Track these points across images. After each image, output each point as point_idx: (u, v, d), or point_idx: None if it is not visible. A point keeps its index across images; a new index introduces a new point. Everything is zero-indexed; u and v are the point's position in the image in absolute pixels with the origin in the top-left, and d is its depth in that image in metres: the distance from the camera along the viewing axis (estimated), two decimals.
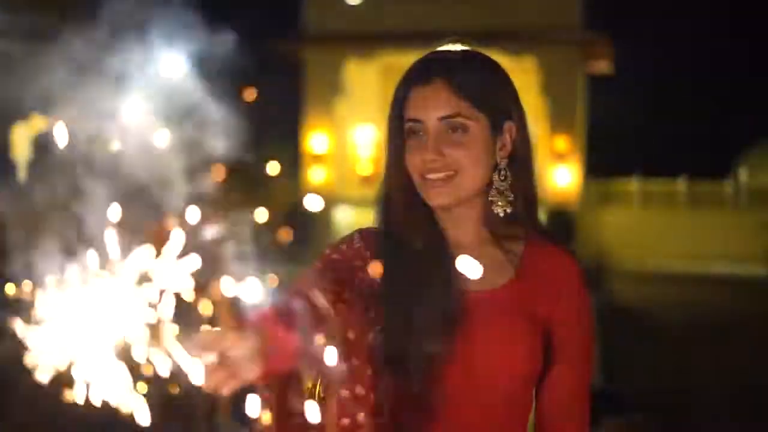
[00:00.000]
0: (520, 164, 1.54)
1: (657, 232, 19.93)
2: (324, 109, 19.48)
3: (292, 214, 18.22)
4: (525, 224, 1.57)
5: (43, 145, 26.61)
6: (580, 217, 18.74)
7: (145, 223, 1.34)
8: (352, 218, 18.56)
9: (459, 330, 1.46)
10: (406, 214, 1.52)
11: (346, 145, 20.42)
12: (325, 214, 18.24)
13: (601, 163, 20.61)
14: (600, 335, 8.82)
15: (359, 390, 1.37)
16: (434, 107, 1.51)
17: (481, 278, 1.48)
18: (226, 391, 1.19)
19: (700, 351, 10.12)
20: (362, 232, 1.59)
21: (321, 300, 1.38)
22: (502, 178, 1.52)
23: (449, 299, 1.47)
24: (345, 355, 1.36)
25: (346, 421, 1.36)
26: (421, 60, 1.59)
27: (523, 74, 19.33)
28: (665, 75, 29.43)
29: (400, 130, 1.55)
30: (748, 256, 18.69)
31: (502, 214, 1.52)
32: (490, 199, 1.53)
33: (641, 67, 27.58)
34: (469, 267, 1.27)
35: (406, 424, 1.44)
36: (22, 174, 24.15)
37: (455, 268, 1.48)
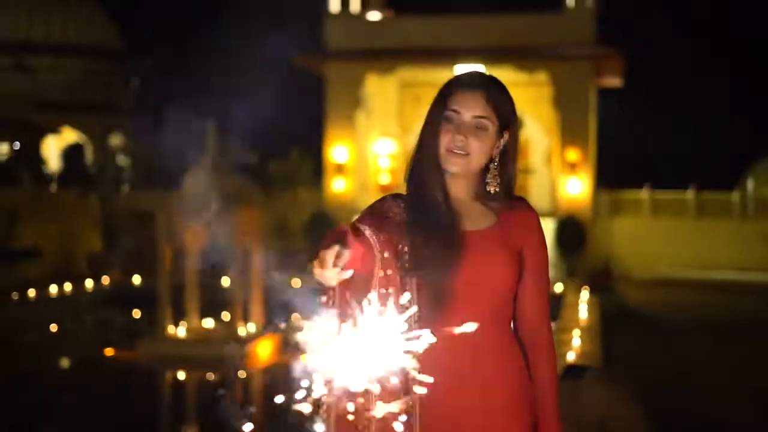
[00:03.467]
0: (508, 158, 2.32)
1: (666, 241, 20.43)
2: (345, 122, 20.16)
3: (314, 222, 18.84)
4: (501, 192, 2.33)
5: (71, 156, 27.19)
6: (591, 226, 19.38)
7: None
8: None
9: (462, 254, 2.23)
10: (429, 174, 2.28)
11: (366, 156, 21.12)
12: (347, 222, 18.97)
13: (612, 173, 21.20)
14: (607, 332, 9.57)
15: (390, 290, 2.14)
16: (472, 107, 2.26)
17: (474, 222, 2.29)
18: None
19: (701, 348, 10.81)
20: (392, 195, 2.35)
21: (368, 232, 2.16)
22: (496, 166, 2.30)
23: (452, 234, 2.24)
24: (383, 267, 2.14)
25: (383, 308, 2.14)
26: (470, 73, 2.36)
27: (537, 87, 20.04)
28: (675, 89, 30.00)
29: (441, 115, 2.29)
30: (754, 264, 19.20)
31: (492, 192, 2.30)
32: (486, 181, 2.31)
33: (651, 81, 28.16)
34: None
35: (426, 316, 2.21)
36: (53, 183, 24.98)
37: (457, 215, 2.27)
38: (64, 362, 10.74)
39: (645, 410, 4.37)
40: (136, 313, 13.19)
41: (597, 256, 18.31)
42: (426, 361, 2.13)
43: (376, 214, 2.27)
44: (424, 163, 2.28)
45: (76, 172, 25.58)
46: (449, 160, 2.24)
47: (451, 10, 20.55)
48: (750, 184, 22.44)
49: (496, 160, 2.28)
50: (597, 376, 4.31)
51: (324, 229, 19.50)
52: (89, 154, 29.04)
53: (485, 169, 2.30)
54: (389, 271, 2.15)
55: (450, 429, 2.18)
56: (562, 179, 19.52)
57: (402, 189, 2.38)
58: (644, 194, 21.11)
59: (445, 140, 2.24)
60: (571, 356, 7.60)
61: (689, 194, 20.97)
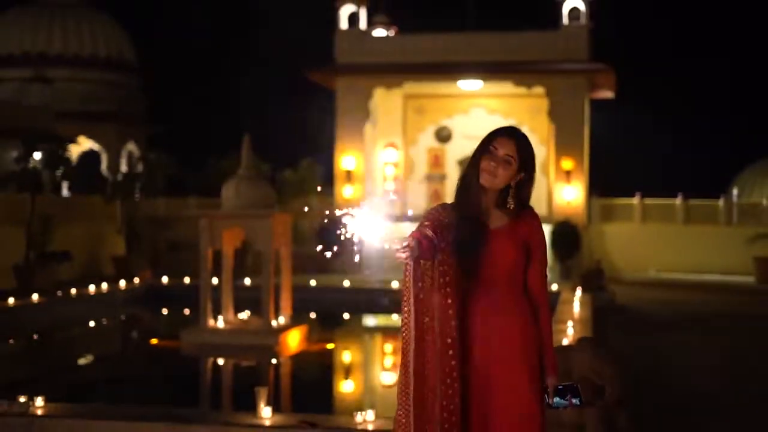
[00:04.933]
0: (523, 186, 3.55)
1: (655, 245, 21.70)
2: (354, 132, 21.39)
3: (326, 227, 19.99)
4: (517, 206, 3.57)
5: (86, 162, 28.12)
6: (585, 230, 20.61)
7: None
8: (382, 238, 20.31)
9: (488, 242, 3.46)
10: (472, 186, 3.50)
11: (373, 164, 22.31)
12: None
13: (605, 181, 22.40)
14: (597, 325, 10.78)
15: (446, 267, 3.38)
16: (506, 147, 3.51)
17: (495, 223, 3.51)
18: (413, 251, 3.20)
19: (679, 337, 12.03)
20: (441, 204, 3.58)
21: (429, 231, 3.39)
22: (514, 191, 3.53)
23: (482, 230, 3.47)
24: (439, 251, 3.37)
25: (442, 280, 3.37)
26: (511, 127, 3.62)
27: (534, 99, 21.29)
28: (665, 100, 31.24)
29: (485, 149, 3.52)
30: (738, 268, 20.39)
31: (511, 208, 3.53)
32: (508, 199, 3.53)
33: (643, 93, 29.36)
34: None
35: (461, 283, 3.43)
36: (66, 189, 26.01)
37: (486, 218, 3.49)
38: (121, 350, 11.96)
39: (622, 374, 5.60)
40: (167, 310, 14.44)
41: (590, 259, 19.48)
42: (462, 313, 3.35)
43: (431, 218, 3.51)
44: (470, 177, 3.52)
45: (92, 179, 26.75)
46: (483, 176, 3.48)
47: (453, 27, 21.85)
48: (735, 192, 23.73)
49: (513, 186, 3.51)
50: (585, 344, 5.55)
51: (334, 234, 20.73)
52: (104, 162, 30.22)
53: (505, 190, 3.53)
54: (444, 255, 3.38)
55: (480, 352, 3.39)
56: (558, 187, 20.78)
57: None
58: (635, 201, 22.32)
59: (483, 164, 3.48)
60: (565, 342, 8.82)
61: (677, 201, 22.18)
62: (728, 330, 12.75)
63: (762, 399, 8.09)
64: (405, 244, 3.24)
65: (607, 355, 5.52)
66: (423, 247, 3.28)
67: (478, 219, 3.48)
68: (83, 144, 30.03)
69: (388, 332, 13.42)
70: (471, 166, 3.53)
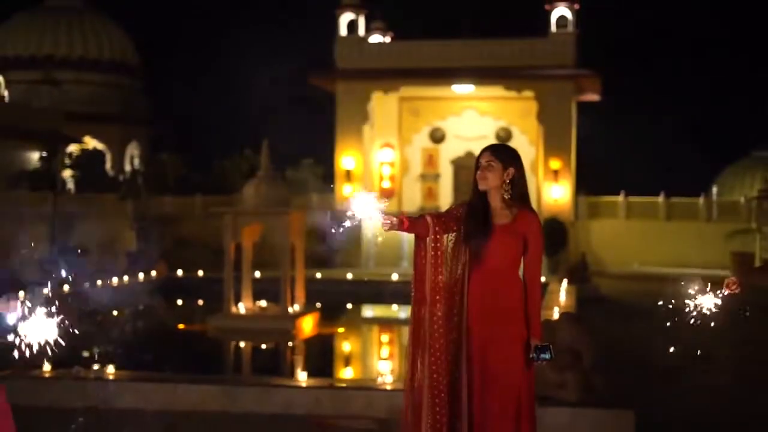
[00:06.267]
0: (516, 181, 4.67)
1: (639, 240, 22.85)
2: (353, 134, 22.54)
3: (326, 224, 20.94)
4: (517, 204, 4.69)
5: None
6: (572, 227, 21.79)
7: None
8: (375, 229, 21.53)
9: (491, 236, 4.58)
10: (475, 193, 4.62)
11: (371, 164, 23.44)
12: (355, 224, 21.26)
13: (591, 180, 23.56)
14: (580, 312, 11.93)
15: (437, 245, 4.48)
16: (485, 158, 4.60)
17: (499, 219, 4.64)
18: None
19: (653, 323, 13.12)
20: (459, 203, 4.70)
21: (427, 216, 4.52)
22: (507, 186, 4.66)
23: (487, 226, 4.60)
24: (433, 233, 4.48)
25: (433, 254, 4.49)
26: (489, 145, 4.69)
27: (524, 101, 22.43)
28: (648, 106, 32.42)
29: (476, 165, 4.63)
30: (717, 262, 21.51)
31: (507, 197, 4.65)
32: (502, 192, 4.65)
33: (627, 101, 30.52)
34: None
35: (471, 265, 4.55)
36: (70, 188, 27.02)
37: (490, 215, 4.64)
38: (155, 333, 13.06)
39: (599, 351, 6.76)
40: (182, 300, 15.57)
41: (576, 254, 20.62)
42: (471, 288, 4.49)
43: (446, 212, 4.64)
44: (473, 187, 4.66)
45: (97, 178, 27.80)
46: (480, 184, 4.60)
47: (447, 34, 23.01)
48: (714, 190, 24.95)
49: (507, 181, 4.62)
50: (567, 318, 6.71)
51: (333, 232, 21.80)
52: (108, 162, 31.29)
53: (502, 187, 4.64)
54: (438, 236, 4.46)
55: (481, 320, 4.52)
56: (546, 185, 21.97)
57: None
58: (619, 199, 23.48)
59: (477, 176, 4.59)
60: None
61: (660, 199, 23.36)
62: (701, 318, 13.90)
63: (718, 374, 9.29)
64: (388, 219, 4.14)
65: (585, 327, 6.69)
66: (404, 225, 4.26)
67: (484, 218, 4.57)
68: (88, 144, 31.10)
69: (388, 319, 14.59)
70: (474, 179, 4.64)
